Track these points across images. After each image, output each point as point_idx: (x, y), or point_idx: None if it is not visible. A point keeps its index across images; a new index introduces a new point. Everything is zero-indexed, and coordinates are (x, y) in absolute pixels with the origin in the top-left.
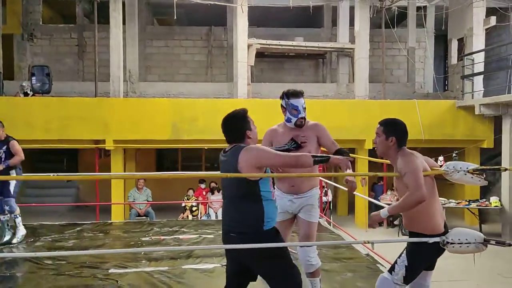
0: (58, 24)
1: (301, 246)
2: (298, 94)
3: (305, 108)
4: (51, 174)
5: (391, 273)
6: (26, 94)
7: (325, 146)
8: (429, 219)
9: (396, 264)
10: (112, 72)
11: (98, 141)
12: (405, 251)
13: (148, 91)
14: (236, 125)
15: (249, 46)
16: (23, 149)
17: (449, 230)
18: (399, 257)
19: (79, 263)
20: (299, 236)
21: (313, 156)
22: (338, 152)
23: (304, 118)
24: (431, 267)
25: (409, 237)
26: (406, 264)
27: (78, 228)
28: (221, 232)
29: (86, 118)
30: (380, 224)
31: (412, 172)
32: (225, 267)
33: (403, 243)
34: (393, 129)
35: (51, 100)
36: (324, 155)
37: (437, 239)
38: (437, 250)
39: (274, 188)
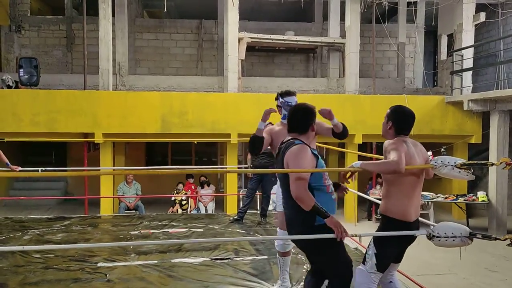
0: (46, 16)
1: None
2: (291, 93)
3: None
4: (39, 169)
5: (364, 264)
6: (9, 87)
7: (323, 134)
8: (402, 205)
9: (366, 254)
10: (101, 65)
11: (87, 134)
12: (372, 240)
13: (137, 84)
14: (308, 116)
15: (239, 39)
16: (11, 142)
17: (419, 226)
18: (368, 247)
19: (67, 257)
20: None
21: (316, 205)
22: (334, 132)
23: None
24: (398, 259)
25: (381, 221)
26: (375, 252)
27: (67, 222)
28: (210, 226)
29: (75, 111)
30: (369, 218)
31: (395, 150)
32: None
33: None
34: (394, 114)
35: (39, 93)
36: (326, 212)
37: (423, 232)
38: (404, 237)
39: (329, 181)
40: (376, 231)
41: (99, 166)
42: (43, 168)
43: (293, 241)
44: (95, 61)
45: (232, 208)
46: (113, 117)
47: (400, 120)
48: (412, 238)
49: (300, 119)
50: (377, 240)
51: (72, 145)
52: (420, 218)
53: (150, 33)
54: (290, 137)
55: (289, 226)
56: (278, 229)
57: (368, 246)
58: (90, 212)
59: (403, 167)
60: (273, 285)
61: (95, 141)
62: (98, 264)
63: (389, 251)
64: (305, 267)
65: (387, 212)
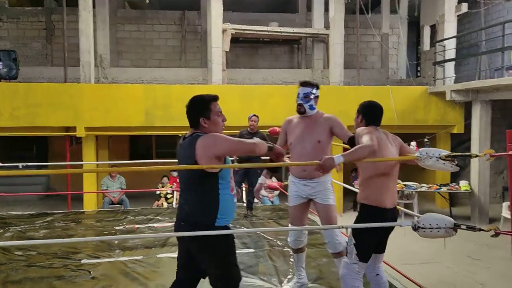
0: (25, 7)
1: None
2: (303, 83)
3: (308, 96)
4: (19, 165)
5: (347, 256)
6: None
7: (338, 136)
8: (378, 193)
9: (348, 246)
10: (82, 57)
11: (68, 128)
12: (351, 231)
13: (120, 76)
14: (193, 109)
15: (223, 31)
16: None
17: (398, 212)
18: (349, 238)
19: (50, 254)
20: (320, 220)
21: (267, 143)
22: (350, 139)
23: (300, 105)
24: (380, 249)
25: (359, 211)
26: (354, 242)
27: (49, 218)
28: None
29: (56, 104)
30: (355, 209)
31: (367, 133)
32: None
33: None
34: (362, 108)
35: (19, 86)
36: (271, 143)
37: (408, 223)
38: (382, 226)
39: (233, 182)
40: (354, 221)
41: (82, 161)
42: (24, 164)
43: (190, 241)
44: (76, 53)
45: None
46: (96, 111)
47: (368, 112)
48: (390, 226)
49: (188, 112)
50: (355, 231)
51: (53, 139)
52: (404, 209)
53: (132, 24)
54: (191, 133)
55: (186, 224)
56: (289, 224)
57: (348, 238)
58: (73, 207)
59: (376, 147)
60: (263, 278)
61: (77, 135)
62: (82, 261)
63: (367, 240)
64: (291, 259)
65: (363, 200)
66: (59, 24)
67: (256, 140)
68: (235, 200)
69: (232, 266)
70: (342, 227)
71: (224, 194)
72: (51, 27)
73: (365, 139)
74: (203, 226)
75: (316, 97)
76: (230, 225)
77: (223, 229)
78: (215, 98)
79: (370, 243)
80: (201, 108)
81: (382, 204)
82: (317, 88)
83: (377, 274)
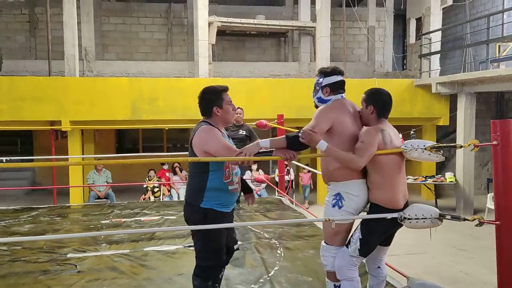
0: None
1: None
2: (321, 71)
3: (314, 88)
4: (3, 159)
5: (347, 247)
6: None
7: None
8: (389, 192)
9: (352, 238)
10: (67, 50)
11: (53, 122)
12: (359, 225)
13: (105, 70)
14: (206, 99)
15: (210, 24)
16: None
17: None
18: (355, 231)
19: (35, 248)
20: None
21: (259, 153)
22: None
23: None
24: (386, 242)
25: (369, 208)
26: (360, 237)
27: (34, 213)
28: (182, 213)
29: (40, 98)
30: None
31: (367, 143)
32: None
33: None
34: (373, 98)
35: (2, 80)
36: (267, 152)
37: (394, 215)
38: (392, 224)
39: (231, 172)
40: (362, 221)
41: (67, 155)
42: (8, 158)
43: (185, 216)
44: (60, 46)
45: None
46: (81, 104)
47: (380, 102)
48: (398, 223)
49: (201, 102)
50: (364, 226)
51: (38, 134)
52: None
53: (117, 17)
54: (201, 120)
55: (185, 202)
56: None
57: (355, 230)
58: (59, 202)
59: (362, 165)
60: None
61: (62, 129)
62: (68, 255)
63: (374, 238)
64: (278, 251)
65: (376, 201)
66: (42, 16)
67: (248, 149)
68: (232, 188)
69: (210, 248)
70: (328, 220)
71: (214, 179)
72: (34, 20)
73: (360, 151)
74: (190, 205)
75: (325, 86)
76: (226, 210)
77: (208, 211)
78: (225, 88)
79: (375, 242)
80: (214, 98)
81: (396, 205)
82: (325, 75)
83: (378, 267)
